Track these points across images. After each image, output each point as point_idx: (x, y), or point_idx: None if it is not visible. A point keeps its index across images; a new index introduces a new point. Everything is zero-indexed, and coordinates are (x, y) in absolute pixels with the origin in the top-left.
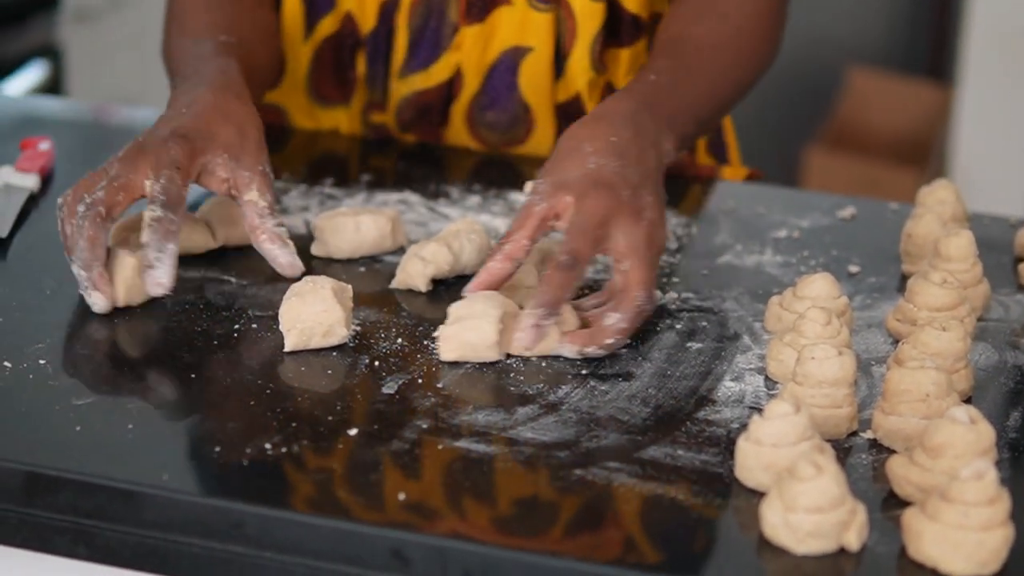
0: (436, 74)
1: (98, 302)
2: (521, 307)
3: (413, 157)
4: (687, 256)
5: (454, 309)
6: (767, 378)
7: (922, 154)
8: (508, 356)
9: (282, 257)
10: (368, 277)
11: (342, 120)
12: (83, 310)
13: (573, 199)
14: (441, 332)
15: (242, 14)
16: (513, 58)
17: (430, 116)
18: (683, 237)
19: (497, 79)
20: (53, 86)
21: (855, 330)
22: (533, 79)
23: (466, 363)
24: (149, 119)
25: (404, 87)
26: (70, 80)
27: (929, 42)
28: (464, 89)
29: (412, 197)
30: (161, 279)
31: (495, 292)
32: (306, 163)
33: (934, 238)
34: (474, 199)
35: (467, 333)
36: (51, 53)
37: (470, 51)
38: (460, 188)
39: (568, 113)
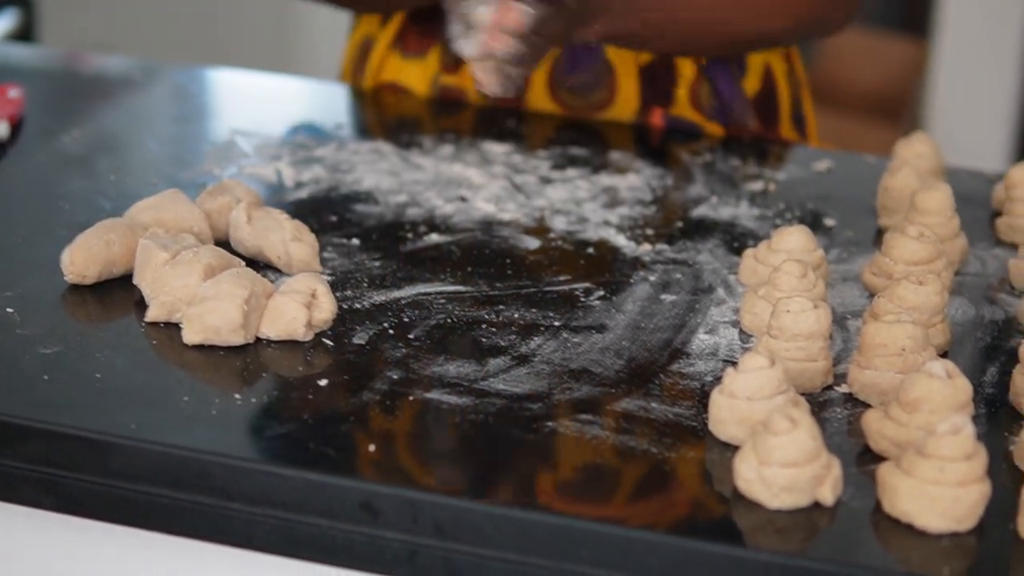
0: None
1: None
2: None
3: (489, 121)
4: (662, 208)
5: (203, 288)
6: (741, 331)
7: (898, 109)
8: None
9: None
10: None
11: (414, 75)
12: (52, 259)
13: None
14: (185, 314)
15: None
16: None
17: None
18: (657, 189)
19: None
20: (25, 33)
21: (831, 284)
22: None
23: (438, 314)
24: (121, 68)
25: None
26: (42, 27)
27: None
28: None
29: (385, 146)
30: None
31: (246, 269)
32: (377, 124)
33: (911, 192)
34: (447, 149)
35: (210, 316)
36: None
37: None
38: (433, 138)
39: (653, 74)
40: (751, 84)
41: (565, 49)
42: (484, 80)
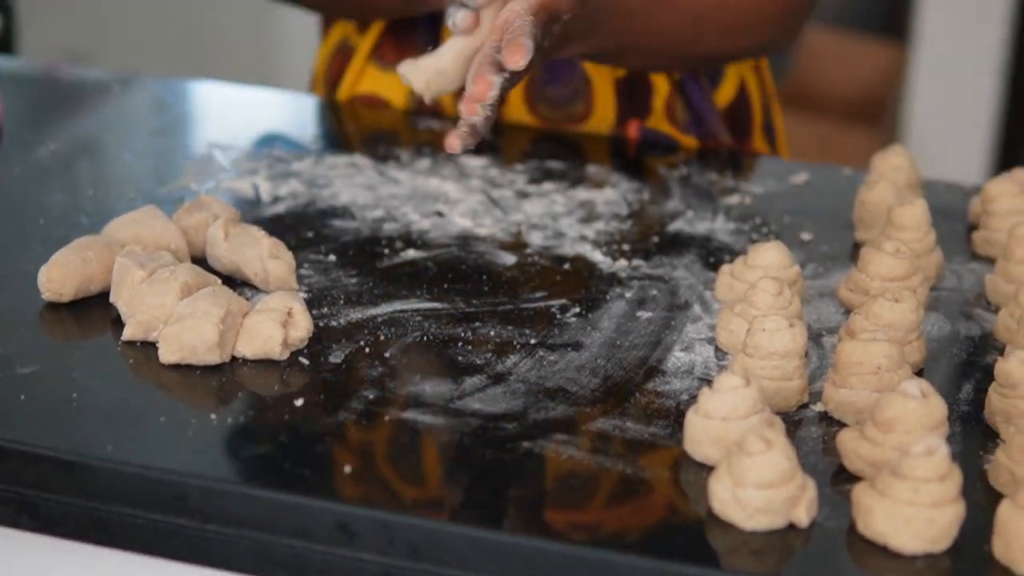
0: None
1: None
2: None
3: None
4: (638, 223)
5: (179, 307)
6: (717, 348)
7: (877, 112)
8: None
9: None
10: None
11: (392, 87)
12: (29, 276)
13: None
14: (161, 333)
15: None
16: None
17: None
18: (634, 203)
19: None
20: (3, 41)
21: (807, 299)
22: None
23: (414, 332)
24: (99, 79)
25: None
26: (21, 35)
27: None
28: None
29: (361, 160)
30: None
31: (222, 288)
32: (354, 137)
33: (888, 206)
34: (424, 162)
35: (186, 335)
36: (2, 3)
37: None
38: (410, 151)
39: (630, 87)
40: (724, 96)
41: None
42: (453, 142)
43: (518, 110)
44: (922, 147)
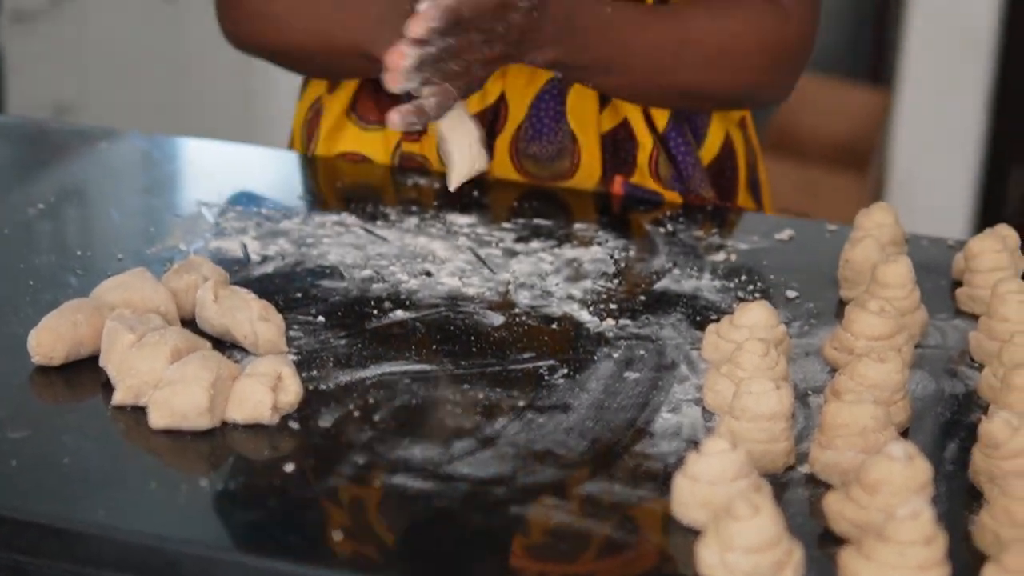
0: (480, 100)
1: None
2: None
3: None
4: (625, 281)
5: (169, 372)
6: (704, 409)
7: (862, 158)
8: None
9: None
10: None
11: (376, 145)
12: (19, 339)
13: None
14: (151, 398)
15: None
16: (560, 85)
17: None
18: (620, 261)
19: (544, 108)
20: None
21: (793, 358)
22: (580, 106)
23: (403, 394)
24: (86, 135)
25: None
26: (9, 89)
27: (871, 47)
28: (509, 119)
29: (349, 219)
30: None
31: (212, 352)
32: (341, 195)
33: (872, 263)
34: (412, 220)
35: (176, 399)
36: None
37: (515, 78)
38: (398, 209)
39: (615, 142)
40: (708, 152)
41: (528, 119)
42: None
43: (504, 167)
44: (906, 193)
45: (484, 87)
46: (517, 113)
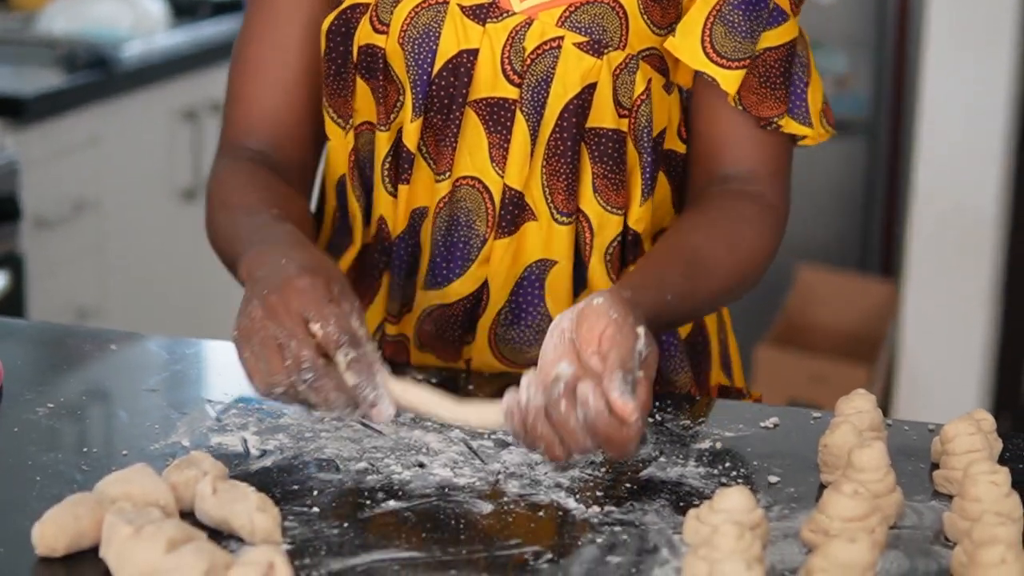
0: (462, 287)
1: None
2: None
3: (440, 382)
4: (612, 470)
5: (164, 561)
6: None
7: (871, 349)
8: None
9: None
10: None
11: None
12: (24, 532)
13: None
14: None
15: (287, 199)
16: (539, 272)
17: (452, 331)
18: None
19: (524, 294)
20: (15, 294)
21: (772, 540)
22: (556, 292)
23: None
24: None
25: (426, 300)
26: (31, 288)
27: (880, 240)
28: (490, 304)
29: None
30: (388, 411)
31: (206, 542)
32: None
33: (849, 448)
34: (407, 414)
35: None
36: (12, 261)
37: (499, 264)
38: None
39: None
40: (683, 329)
41: (508, 303)
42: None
43: (482, 353)
44: (915, 381)
45: (468, 274)
46: (499, 297)
